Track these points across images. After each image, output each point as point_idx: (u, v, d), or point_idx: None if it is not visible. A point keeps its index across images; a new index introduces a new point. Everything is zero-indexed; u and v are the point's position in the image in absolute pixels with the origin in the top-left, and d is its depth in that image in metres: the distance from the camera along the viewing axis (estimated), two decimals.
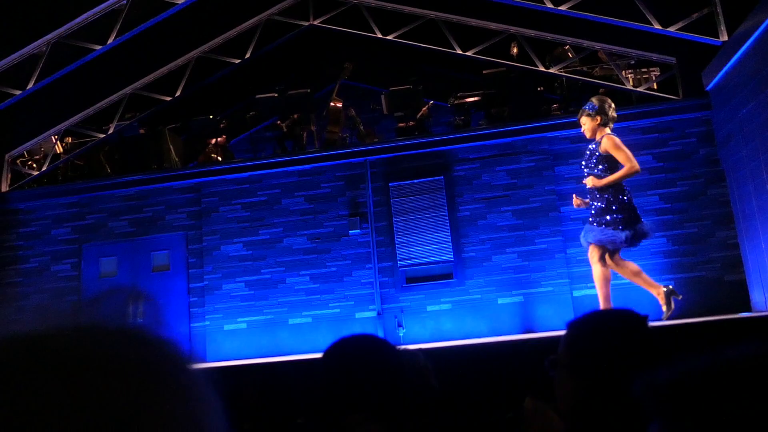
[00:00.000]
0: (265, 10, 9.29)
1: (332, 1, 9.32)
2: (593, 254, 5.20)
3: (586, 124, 5.31)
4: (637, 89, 8.33)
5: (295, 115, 9.31)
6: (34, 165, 9.53)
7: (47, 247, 8.80)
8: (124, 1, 7.82)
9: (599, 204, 5.17)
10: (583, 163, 5.38)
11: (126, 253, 8.57)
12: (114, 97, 9.34)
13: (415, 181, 8.12)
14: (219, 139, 9.46)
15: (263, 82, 9.75)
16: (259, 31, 9.35)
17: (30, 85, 8.03)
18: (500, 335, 7.23)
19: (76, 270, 8.64)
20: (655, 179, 7.63)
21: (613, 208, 5.08)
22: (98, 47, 7.96)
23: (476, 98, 8.95)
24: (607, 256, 5.17)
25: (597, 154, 5.22)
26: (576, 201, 5.33)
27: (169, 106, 9.57)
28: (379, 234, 8.09)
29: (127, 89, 9.36)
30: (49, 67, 8.02)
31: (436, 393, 2.11)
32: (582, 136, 5.61)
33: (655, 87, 8.36)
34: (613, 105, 5.41)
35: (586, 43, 8.55)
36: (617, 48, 8.37)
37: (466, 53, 8.98)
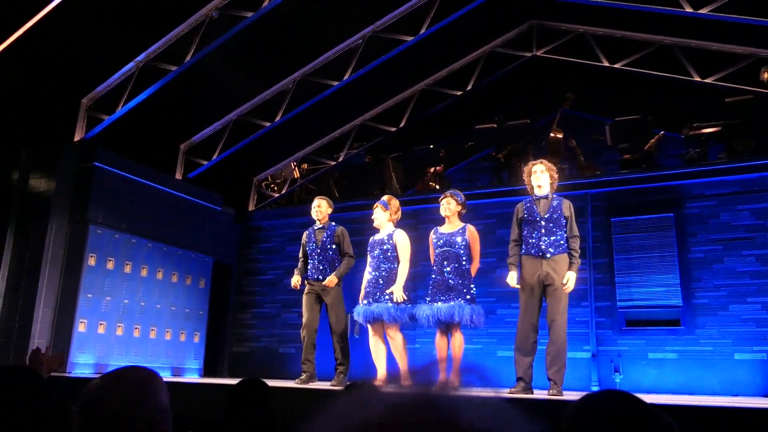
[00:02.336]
0: (488, 43, 9.44)
1: (556, 30, 9.18)
2: None
3: (380, 216, 5.65)
4: None
5: (512, 146, 9.29)
6: (275, 188, 10.69)
7: (281, 262, 9.77)
8: (360, 41, 8.50)
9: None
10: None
11: (350, 273, 9.16)
12: (345, 127, 10.16)
13: (641, 217, 7.59)
14: (437, 168, 9.77)
15: (483, 113, 9.88)
16: (481, 63, 9.53)
17: (277, 118, 9.06)
18: (735, 395, 6.42)
19: None
20: None
21: None
22: (335, 83, 8.73)
23: (715, 129, 8.13)
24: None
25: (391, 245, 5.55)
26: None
27: (393, 136, 10.13)
28: (597, 271, 7.68)
29: (357, 120, 10.11)
30: (294, 102, 8.99)
31: None
32: None
33: None
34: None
35: None
36: None
37: (706, 80, 8.22)
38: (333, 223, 6.06)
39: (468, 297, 5.19)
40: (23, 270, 7.15)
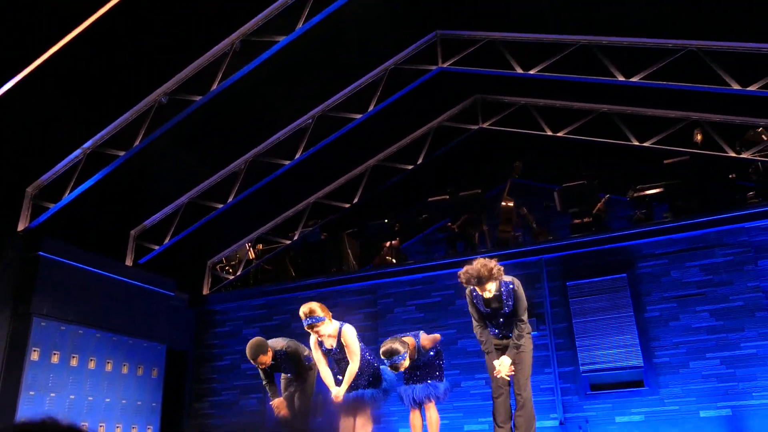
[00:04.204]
0: (435, 118, 9.72)
1: (500, 103, 9.52)
2: None
3: (325, 328, 5.06)
4: None
5: (466, 216, 9.41)
6: (230, 270, 10.49)
7: (238, 346, 9.45)
8: (310, 120, 8.63)
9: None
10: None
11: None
12: (300, 206, 10.14)
13: (595, 279, 7.67)
14: (393, 242, 9.79)
15: (435, 185, 10.04)
16: (430, 137, 9.76)
17: (230, 199, 8.99)
18: None
19: None
20: None
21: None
22: (287, 162, 8.77)
23: (658, 190, 8.44)
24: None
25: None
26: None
27: (348, 212, 10.15)
28: (558, 336, 7.67)
29: (311, 198, 10.13)
30: (246, 183, 8.97)
31: None
32: None
33: None
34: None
35: None
36: None
37: (644, 144, 8.58)
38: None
39: (438, 375, 5.32)
40: None
